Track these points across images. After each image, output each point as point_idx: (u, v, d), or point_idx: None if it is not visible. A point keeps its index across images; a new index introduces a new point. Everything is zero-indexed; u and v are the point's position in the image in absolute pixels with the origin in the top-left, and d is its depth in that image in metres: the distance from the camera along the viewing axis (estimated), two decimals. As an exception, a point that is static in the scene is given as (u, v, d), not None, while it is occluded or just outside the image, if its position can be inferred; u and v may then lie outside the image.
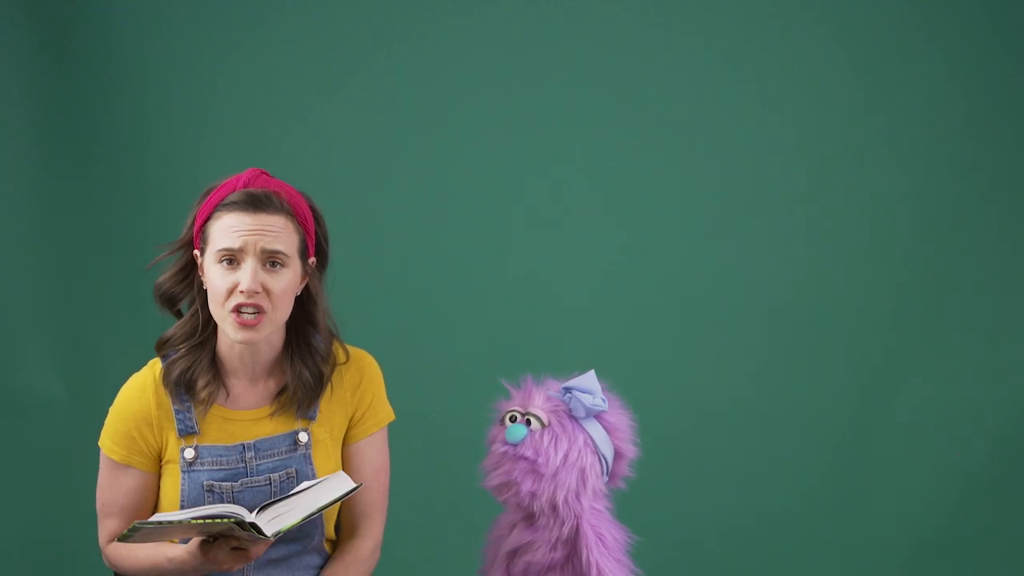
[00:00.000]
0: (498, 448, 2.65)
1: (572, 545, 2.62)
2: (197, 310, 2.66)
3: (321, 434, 2.69)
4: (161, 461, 2.67)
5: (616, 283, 3.97)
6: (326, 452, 2.69)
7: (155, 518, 2.47)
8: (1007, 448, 3.89)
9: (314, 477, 2.65)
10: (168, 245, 2.66)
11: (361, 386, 2.75)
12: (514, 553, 2.65)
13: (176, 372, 2.65)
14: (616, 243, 3.97)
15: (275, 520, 2.47)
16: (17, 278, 3.93)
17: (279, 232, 2.60)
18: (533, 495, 2.60)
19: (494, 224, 3.99)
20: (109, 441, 2.67)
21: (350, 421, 2.73)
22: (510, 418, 2.66)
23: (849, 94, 3.92)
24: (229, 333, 2.60)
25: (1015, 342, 3.90)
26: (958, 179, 3.90)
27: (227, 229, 2.57)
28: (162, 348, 2.69)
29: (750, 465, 3.94)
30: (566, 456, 2.62)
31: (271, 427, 2.67)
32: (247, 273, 2.55)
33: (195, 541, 2.54)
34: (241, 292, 2.55)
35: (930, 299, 3.92)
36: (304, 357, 2.69)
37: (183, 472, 2.64)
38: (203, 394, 2.64)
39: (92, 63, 3.93)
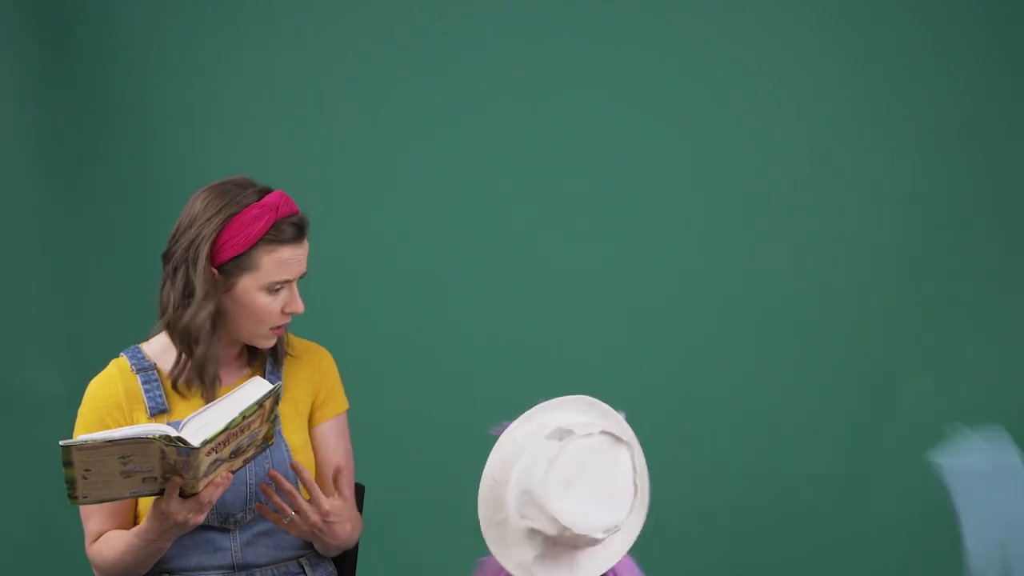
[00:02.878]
0: None
1: None
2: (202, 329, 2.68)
3: (288, 409, 2.75)
4: None
5: (615, 283, 3.97)
6: (294, 425, 2.75)
7: (81, 438, 2.46)
8: (1007, 448, 3.89)
9: (287, 451, 2.71)
10: (192, 279, 2.65)
11: (322, 370, 2.82)
12: None
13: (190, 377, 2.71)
14: (615, 243, 3.97)
15: (200, 431, 2.46)
16: (17, 278, 3.93)
17: (307, 254, 2.73)
18: None
19: (494, 224, 3.99)
20: (81, 434, 2.69)
21: (313, 404, 2.80)
22: None
23: (848, 94, 3.91)
24: (257, 343, 2.72)
25: (1015, 342, 3.90)
26: (958, 178, 3.90)
27: (284, 263, 2.67)
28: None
29: (749, 465, 3.94)
30: None
31: None
32: (298, 301, 2.70)
33: (151, 505, 2.56)
34: (289, 314, 2.70)
35: (930, 299, 3.92)
36: None
37: None
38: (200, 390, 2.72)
39: (92, 63, 3.93)
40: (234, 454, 2.52)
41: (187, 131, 3.97)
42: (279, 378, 2.76)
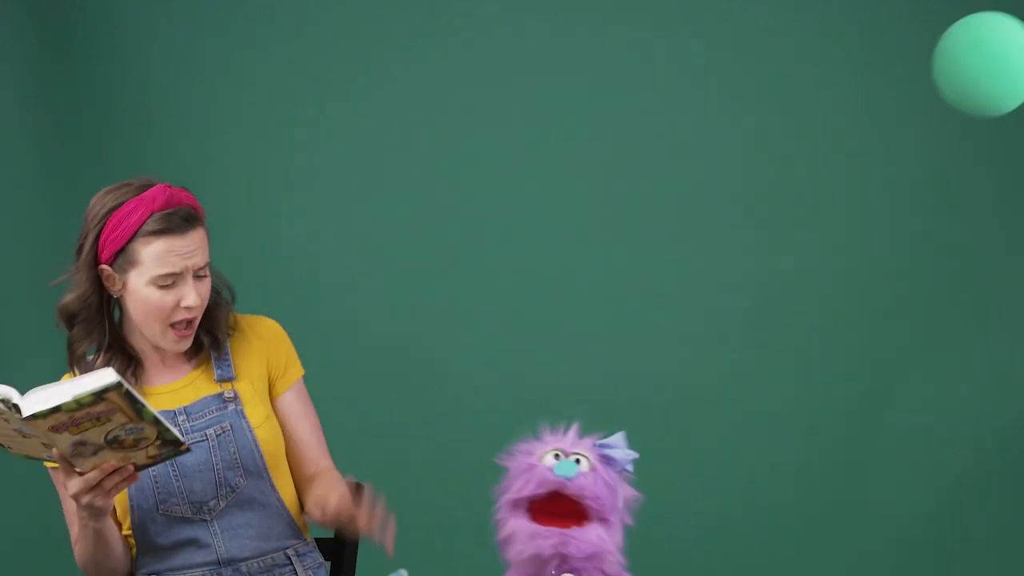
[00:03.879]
0: (545, 477, 2.55)
1: None
2: (96, 318, 2.70)
3: (245, 388, 2.75)
4: None
5: (614, 282, 3.97)
6: (254, 404, 2.75)
7: None
8: (1007, 448, 3.89)
9: (250, 431, 2.72)
10: (74, 268, 2.71)
11: (271, 338, 2.82)
12: None
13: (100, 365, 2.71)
14: (615, 243, 3.97)
15: (35, 404, 2.44)
16: (17, 278, 3.93)
17: (203, 246, 2.69)
18: (591, 556, 2.51)
19: (494, 224, 3.99)
20: None
21: (270, 376, 2.80)
22: (554, 456, 2.57)
23: (848, 94, 3.91)
24: (164, 344, 2.70)
25: (1015, 342, 3.90)
26: (957, 178, 3.90)
27: (164, 255, 2.64)
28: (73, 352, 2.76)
29: (748, 465, 3.94)
30: (615, 506, 2.56)
31: (193, 394, 2.74)
32: (191, 293, 2.65)
33: (66, 497, 2.58)
34: (187, 309, 2.66)
35: (930, 298, 3.92)
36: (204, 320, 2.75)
37: None
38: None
39: (92, 63, 3.94)
40: (114, 444, 2.46)
41: (187, 131, 3.97)
42: (228, 365, 2.76)
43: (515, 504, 2.50)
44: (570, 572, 2.51)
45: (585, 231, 3.97)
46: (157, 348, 2.74)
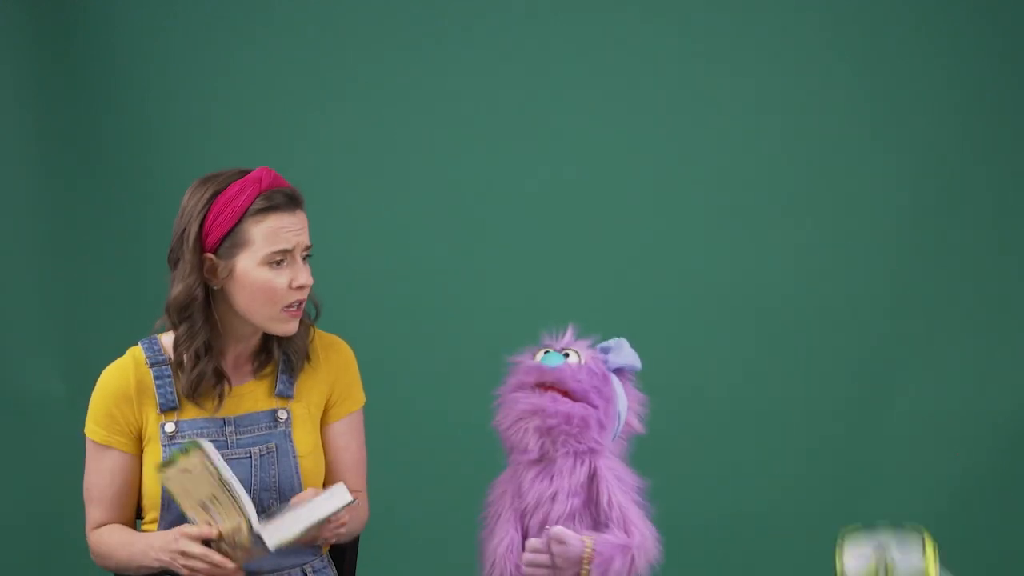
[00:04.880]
0: (528, 368, 2.63)
1: (587, 490, 2.62)
2: (202, 314, 2.66)
3: (300, 411, 2.73)
4: (142, 442, 2.70)
5: (612, 282, 3.97)
6: (305, 428, 2.73)
7: (216, 458, 2.50)
8: (1007, 448, 3.89)
9: (295, 457, 2.70)
10: (182, 261, 2.64)
11: (339, 366, 2.79)
12: (526, 509, 2.64)
13: (194, 375, 2.68)
14: (613, 242, 3.97)
15: (277, 533, 2.50)
16: (17, 278, 3.93)
17: (307, 226, 2.68)
18: (568, 419, 2.58)
19: (492, 224, 3.99)
20: (91, 423, 2.72)
21: (327, 402, 2.77)
22: (545, 352, 2.66)
23: (848, 93, 3.92)
24: (274, 329, 2.66)
25: (1015, 342, 3.90)
26: (957, 177, 3.90)
27: (276, 232, 2.62)
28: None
29: (747, 464, 3.94)
30: (600, 389, 2.62)
31: (249, 404, 2.71)
32: (303, 271, 2.65)
33: (177, 542, 2.56)
34: (300, 288, 2.64)
35: (929, 298, 3.92)
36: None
37: (164, 447, 2.67)
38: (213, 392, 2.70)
39: (92, 63, 3.93)
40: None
41: (187, 132, 3.97)
42: (291, 383, 2.73)
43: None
44: (545, 435, 2.56)
45: (586, 231, 3.97)
46: (236, 346, 2.69)
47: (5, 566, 3.92)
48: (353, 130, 3.98)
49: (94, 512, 2.72)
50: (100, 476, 2.70)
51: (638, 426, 2.72)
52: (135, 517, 2.76)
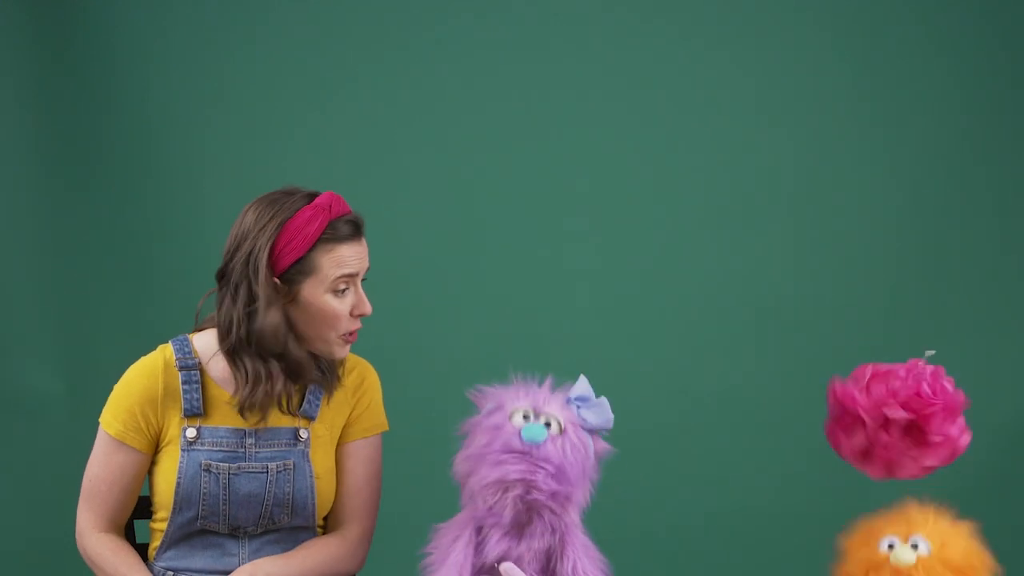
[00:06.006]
0: (511, 443, 2.56)
1: (547, 558, 2.59)
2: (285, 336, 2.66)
3: (321, 431, 2.72)
4: (159, 445, 2.69)
5: (611, 281, 3.97)
6: (324, 450, 2.72)
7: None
8: (1007, 448, 3.89)
9: (311, 472, 2.69)
10: (252, 286, 2.62)
11: (361, 388, 2.78)
12: (484, 565, 2.59)
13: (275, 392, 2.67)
14: (616, 242, 3.97)
15: None
16: (17, 278, 3.93)
17: (367, 252, 2.72)
18: (554, 496, 2.54)
19: (491, 224, 3.99)
20: (109, 416, 2.69)
21: (346, 421, 2.76)
22: (523, 416, 2.59)
23: (847, 93, 3.92)
24: (330, 352, 2.68)
25: (1015, 342, 3.90)
26: (957, 177, 3.90)
27: (345, 260, 2.64)
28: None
29: (745, 464, 3.94)
30: (583, 466, 2.57)
31: (274, 419, 2.69)
32: (365, 300, 2.68)
33: None
34: (360, 316, 2.68)
35: (929, 298, 3.92)
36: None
37: (183, 451, 2.66)
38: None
39: (92, 63, 3.94)
40: None
41: (187, 132, 3.97)
42: (317, 405, 2.72)
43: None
44: (530, 498, 2.51)
45: (586, 231, 3.97)
46: (283, 358, 2.67)
47: (5, 566, 3.92)
48: (353, 130, 3.98)
49: (91, 507, 2.71)
50: (108, 470, 2.69)
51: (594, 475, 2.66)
52: (129, 520, 2.76)
